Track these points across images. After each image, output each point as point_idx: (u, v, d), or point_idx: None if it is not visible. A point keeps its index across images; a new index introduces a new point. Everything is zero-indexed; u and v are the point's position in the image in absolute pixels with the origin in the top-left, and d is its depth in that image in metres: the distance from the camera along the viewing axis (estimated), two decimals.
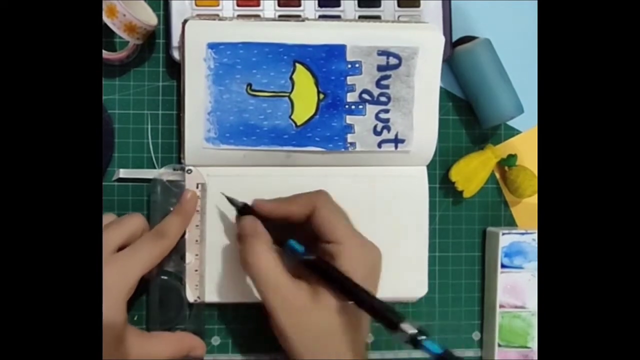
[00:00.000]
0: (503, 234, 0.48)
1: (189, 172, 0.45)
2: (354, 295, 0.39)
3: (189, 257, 0.45)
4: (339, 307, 0.40)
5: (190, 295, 0.45)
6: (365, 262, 0.41)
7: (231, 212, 0.45)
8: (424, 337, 0.36)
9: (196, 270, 0.45)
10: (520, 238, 0.48)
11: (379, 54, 0.45)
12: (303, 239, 0.42)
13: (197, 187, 0.45)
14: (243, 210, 0.43)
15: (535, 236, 0.48)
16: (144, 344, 0.41)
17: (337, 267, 0.40)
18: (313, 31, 0.44)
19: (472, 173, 0.48)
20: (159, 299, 0.45)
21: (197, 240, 0.45)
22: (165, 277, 0.45)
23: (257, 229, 0.42)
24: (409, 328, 0.36)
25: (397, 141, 0.46)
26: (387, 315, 0.38)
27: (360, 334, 0.41)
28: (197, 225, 0.45)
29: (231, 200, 0.44)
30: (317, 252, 0.41)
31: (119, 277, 0.39)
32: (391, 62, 0.45)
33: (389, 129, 0.46)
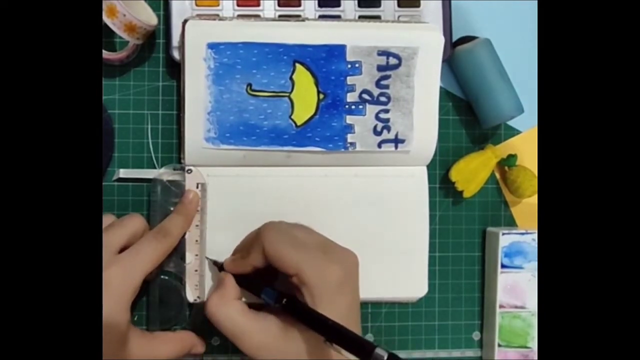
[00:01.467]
0: (503, 234, 0.48)
1: (189, 172, 0.45)
2: (322, 332, 0.38)
3: (189, 257, 0.45)
4: (308, 338, 0.39)
5: (190, 295, 0.45)
6: (328, 283, 0.39)
7: (231, 212, 0.45)
8: None
9: (196, 270, 0.45)
10: (520, 238, 0.48)
11: (379, 54, 0.45)
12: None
13: (197, 187, 0.45)
14: (222, 268, 0.44)
15: (535, 236, 0.48)
16: (146, 344, 0.41)
17: (304, 299, 0.39)
18: (313, 31, 0.44)
19: (472, 173, 0.48)
20: (159, 298, 0.45)
21: (197, 240, 0.45)
22: (166, 277, 0.45)
23: (223, 282, 0.42)
24: (383, 353, 0.35)
25: (397, 141, 0.46)
26: (358, 345, 0.37)
27: None
28: (197, 225, 0.45)
29: (214, 262, 0.44)
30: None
31: (123, 278, 0.39)
32: (391, 62, 0.45)
33: (389, 129, 0.46)
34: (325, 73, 0.44)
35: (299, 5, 0.46)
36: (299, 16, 0.46)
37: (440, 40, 0.45)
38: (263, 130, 0.44)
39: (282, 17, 0.45)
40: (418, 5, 0.47)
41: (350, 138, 0.45)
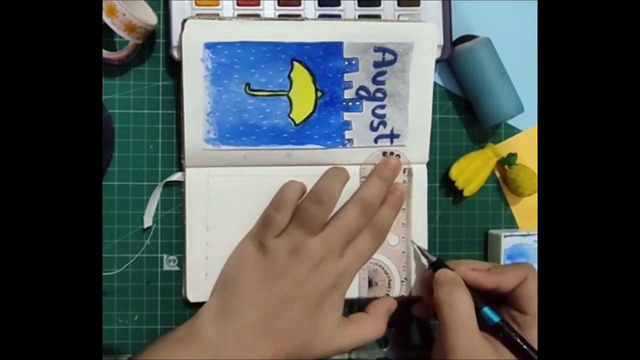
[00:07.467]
0: (505, 236, 0.47)
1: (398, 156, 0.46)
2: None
3: (395, 239, 0.46)
4: None
5: (397, 276, 0.46)
6: None
7: (232, 212, 0.45)
8: None
9: (403, 252, 0.46)
10: (522, 240, 0.48)
11: (375, 51, 0.45)
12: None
13: (405, 172, 0.46)
14: (436, 264, 0.44)
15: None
16: (345, 332, 0.42)
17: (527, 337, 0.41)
18: (310, 29, 0.44)
19: (472, 172, 0.48)
20: (369, 281, 0.46)
21: (403, 224, 0.46)
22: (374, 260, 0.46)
23: (461, 280, 0.42)
24: None
25: (392, 136, 0.46)
26: None
27: None
28: (403, 209, 0.46)
29: (425, 255, 0.46)
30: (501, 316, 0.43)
31: (349, 279, 0.43)
32: (387, 58, 0.45)
33: (384, 125, 0.46)
34: (323, 70, 0.44)
35: (299, 5, 0.46)
36: (299, 15, 0.46)
37: (435, 34, 0.45)
38: (262, 129, 0.44)
39: (282, 17, 0.45)
40: (418, 5, 0.47)
41: (347, 135, 0.45)
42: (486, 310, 0.42)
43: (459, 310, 0.41)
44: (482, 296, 0.43)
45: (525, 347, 0.41)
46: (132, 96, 0.46)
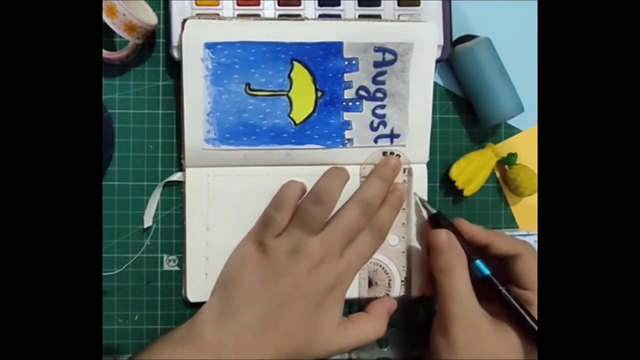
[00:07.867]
0: None
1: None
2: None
3: (396, 239, 0.46)
4: (518, 344, 0.41)
5: (398, 275, 0.47)
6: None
7: (232, 212, 0.45)
8: None
9: (403, 252, 0.47)
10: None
11: (375, 51, 0.45)
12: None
13: (405, 172, 0.46)
14: (435, 217, 0.45)
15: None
16: (345, 332, 0.43)
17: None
18: (310, 29, 0.44)
19: (472, 172, 0.48)
20: (369, 281, 0.46)
21: (403, 223, 0.46)
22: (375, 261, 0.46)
23: (459, 247, 0.43)
24: None
25: (392, 136, 0.46)
26: None
27: None
28: (403, 209, 0.46)
29: (425, 207, 0.46)
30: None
31: (350, 279, 0.43)
32: (387, 58, 0.45)
33: (385, 125, 0.46)
34: (323, 70, 0.45)
35: (299, 5, 0.46)
36: (299, 15, 0.46)
37: (435, 34, 0.45)
38: (262, 129, 0.44)
39: (282, 17, 0.45)
40: (418, 4, 0.47)
41: (347, 134, 0.45)
42: (478, 262, 0.43)
43: (456, 279, 0.42)
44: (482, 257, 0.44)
45: (514, 302, 0.42)
46: (132, 96, 0.46)
